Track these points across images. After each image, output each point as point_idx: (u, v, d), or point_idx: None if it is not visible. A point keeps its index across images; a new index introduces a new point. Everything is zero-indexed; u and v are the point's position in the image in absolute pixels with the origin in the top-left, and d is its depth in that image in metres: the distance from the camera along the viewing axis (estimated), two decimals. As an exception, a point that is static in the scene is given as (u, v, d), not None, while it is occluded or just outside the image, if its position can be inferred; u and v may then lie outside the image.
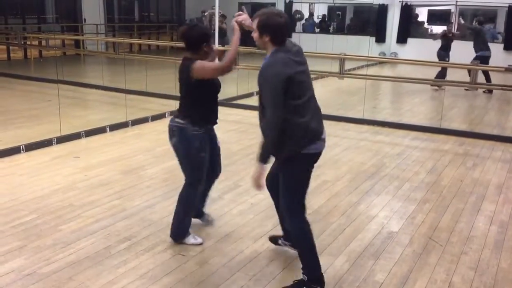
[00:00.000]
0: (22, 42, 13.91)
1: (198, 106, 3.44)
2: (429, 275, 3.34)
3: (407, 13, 18.00)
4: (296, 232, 3.11)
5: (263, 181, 3.04)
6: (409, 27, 18.17)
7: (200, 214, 3.93)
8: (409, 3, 17.91)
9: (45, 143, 6.02)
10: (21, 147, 5.77)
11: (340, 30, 19.82)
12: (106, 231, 3.82)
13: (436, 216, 4.33)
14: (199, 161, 3.49)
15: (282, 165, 3.03)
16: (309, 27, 19.63)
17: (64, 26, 16.81)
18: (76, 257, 3.41)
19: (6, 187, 4.67)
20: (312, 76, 12.35)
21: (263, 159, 2.95)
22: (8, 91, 10.00)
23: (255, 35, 2.98)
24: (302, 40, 16.63)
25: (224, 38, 11.80)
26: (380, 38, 18.34)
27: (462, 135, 7.19)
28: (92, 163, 5.45)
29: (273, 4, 19.83)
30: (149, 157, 5.67)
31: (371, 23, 19.47)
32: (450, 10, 17.35)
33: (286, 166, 3.00)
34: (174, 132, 3.51)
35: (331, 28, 20.26)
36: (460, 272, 3.40)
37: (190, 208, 3.63)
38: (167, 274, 3.24)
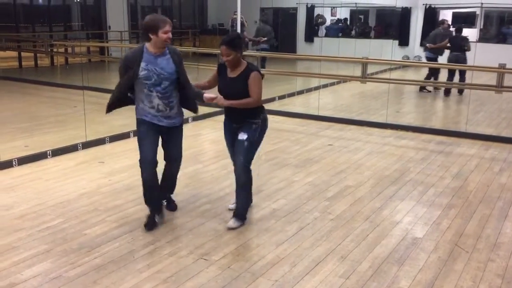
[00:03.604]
0: (49, 50, 14.24)
1: None
2: (455, 282, 3.28)
3: (431, 16, 17.77)
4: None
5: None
6: (433, 30, 17.92)
7: None
8: (433, 6, 17.69)
9: (71, 149, 6.14)
10: (48, 152, 5.89)
11: (362, 34, 19.68)
12: (130, 235, 3.86)
13: (462, 222, 4.25)
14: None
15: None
16: (333, 31, 19.54)
17: (89, 33, 17.12)
18: (101, 261, 3.45)
19: (33, 192, 4.77)
20: (334, 80, 12.35)
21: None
22: (35, 97, 10.23)
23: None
24: (324, 44, 16.60)
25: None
26: (403, 41, 18.16)
27: (488, 139, 7.06)
28: (116, 168, 5.52)
29: (295, 9, 19.86)
30: (172, 162, 5.72)
31: (394, 27, 19.30)
32: (475, 12, 17.07)
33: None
34: None
35: (353, 32, 20.14)
36: (487, 279, 3.32)
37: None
38: (190, 279, 3.25)
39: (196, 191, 4.83)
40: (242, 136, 3.95)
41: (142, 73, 3.73)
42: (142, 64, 3.72)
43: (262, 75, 3.96)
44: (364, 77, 8.34)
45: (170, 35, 3.74)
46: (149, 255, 3.56)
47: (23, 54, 14.93)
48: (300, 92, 10.90)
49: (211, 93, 3.98)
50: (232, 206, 4.24)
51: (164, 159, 4.12)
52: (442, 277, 3.33)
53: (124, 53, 15.05)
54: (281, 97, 10.15)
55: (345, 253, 3.64)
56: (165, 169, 4.16)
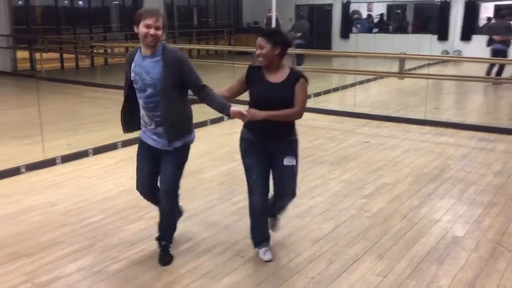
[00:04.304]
0: (89, 51, 14.64)
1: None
2: (497, 282, 3.19)
3: (472, 9, 17.27)
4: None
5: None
6: (474, 24, 17.43)
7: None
8: (473, -1, 17.20)
9: (111, 147, 6.30)
10: (89, 150, 6.08)
11: (400, 29, 19.29)
12: (168, 231, 3.93)
13: (504, 220, 4.12)
14: (245, 167, 3.42)
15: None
16: (363, 27, 19.26)
17: (128, 34, 17.50)
18: (140, 257, 3.54)
19: (76, 189, 4.93)
20: (370, 76, 12.16)
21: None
22: (77, 97, 10.55)
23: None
24: (360, 40, 16.40)
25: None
26: (443, 35, 17.71)
27: (533, 136, 6.81)
28: (155, 165, 5.63)
29: (330, 5, 19.69)
30: (207, 160, 5.80)
31: (432, 21, 18.85)
32: (518, 4, 16.47)
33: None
34: None
35: (390, 27, 19.79)
36: (531, 280, 3.22)
37: (251, 217, 3.54)
38: (227, 275, 3.29)
39: (231, 188, 4.87)
40: (291, 161, 3.33)
41: (132, 75, 3.21)
42: (132, 65, 3.21)
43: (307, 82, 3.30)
44: (402, 73, 8.19)
45: (152, 31, 3.04)
46: (186, 252, 3.62)
47: (64, 55, 15.42)
48: (335, 89, 10.81)
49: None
50: (268, 256, 3.48)
51: None
52: (484, 277, 3.25)
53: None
54: (317, 94, 10.09)
55: (382, 251, 3.60)
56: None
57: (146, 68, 3.14)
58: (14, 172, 5.33)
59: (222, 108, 3.16)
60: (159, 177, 3.36)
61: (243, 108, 3.19)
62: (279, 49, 3.20)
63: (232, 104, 3.16)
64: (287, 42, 3.25)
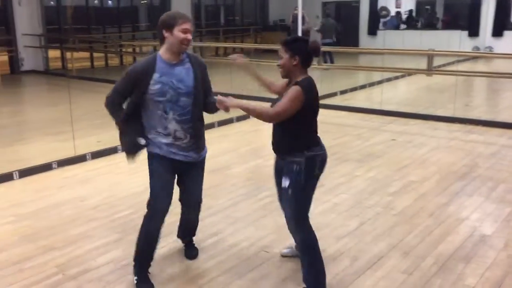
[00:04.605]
0: (118, 50, 14.91)
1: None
2: (526, 281, 3.14)
3: (504, 4, 16.84)
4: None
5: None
6: (506, 19, 16.99)
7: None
8: (505, -6, 16.77)
9: (139, 144, 6.41)
10: (118, 147, 6.19)
11: (429, 25, 18.96)
12: (194, 227, 3.99)
13: (535, 219, 4.04)
14: None
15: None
16: (391, 24, 19.04)
17: (156, 33, 17.75)
18: (167, 251, 3.61)
19: (105, 185, 5.05)
20: (398, 73, 12.02)
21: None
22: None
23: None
24: (388, 37, 16.21)
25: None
26: (473, 31, 17.33)
27: None
28: (181, 162, 5.71)
29: (357, 2, 19.51)
30: (234, 157, 5.85)
31: (463, 17, 18.48)
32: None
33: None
34: None
35: (419, 24, 19.48)
36: (562, 280, 3.15)
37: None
38: (252, 270, 3.33)
39: (257, 184, 4.91)
40: (285, 182, 2.92)
41: (154, 87, 2.90)
42: (155, 76, 2.90)
43: (306, 92, 2.80)
44: (430, 70, 8.08)
45: (189, 36, 2.88)
46: (212, 246, 3.67)
47: (94, 54, 15.75)
48: (362, 87, 10.72)
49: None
50: (287, 251, 3.51)
51: (180, 200, 3.36)
52: (512, 276, 3.20)
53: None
54: (343, 92, 10.03)
55: (408, 249, 3.57)
56: (183, 213, 3.44)
57: (178, 76, 2.94)
58: (46, 167, 5.51)
59: (214, 102, 3.05)
60: (187, 189, 3.29)
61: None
62: (297, 60, 2.83)
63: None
64: (309, 52, 2.86)
